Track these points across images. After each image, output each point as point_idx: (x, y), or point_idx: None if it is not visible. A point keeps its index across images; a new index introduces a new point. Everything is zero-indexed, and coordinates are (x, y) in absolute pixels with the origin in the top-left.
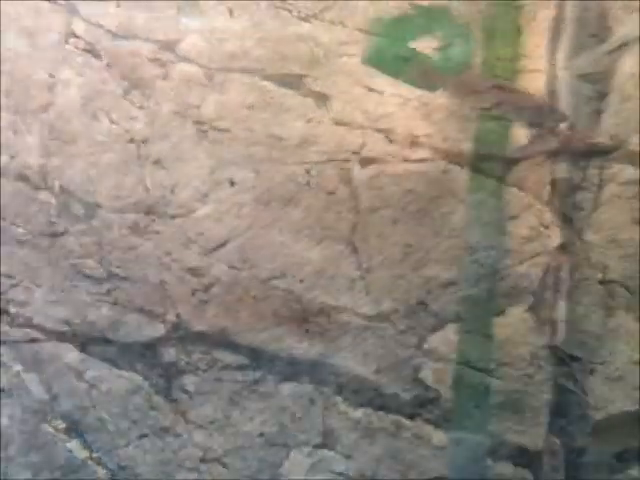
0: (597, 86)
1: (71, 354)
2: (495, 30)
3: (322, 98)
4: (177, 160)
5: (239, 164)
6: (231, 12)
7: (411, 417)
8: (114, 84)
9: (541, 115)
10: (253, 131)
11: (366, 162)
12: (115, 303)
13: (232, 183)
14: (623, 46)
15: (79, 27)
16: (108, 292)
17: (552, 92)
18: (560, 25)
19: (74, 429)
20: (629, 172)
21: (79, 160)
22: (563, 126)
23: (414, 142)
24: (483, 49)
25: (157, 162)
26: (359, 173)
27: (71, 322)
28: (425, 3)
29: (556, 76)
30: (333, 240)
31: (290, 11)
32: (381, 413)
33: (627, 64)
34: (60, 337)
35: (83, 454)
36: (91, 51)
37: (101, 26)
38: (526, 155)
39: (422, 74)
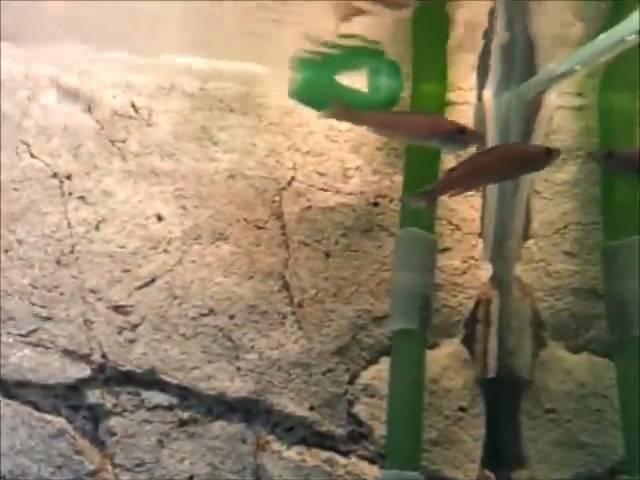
0: (524, 118)
1: None
2: (424, 64)
3: (251, 131)
4: (102, 195)
5: (166, 199)
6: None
7: (345, 454)
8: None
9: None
10: (181, 164)
11: (297, 195)
12: (37, 344)
13: (159, 218)
14: (550, 80)
15: None
16: (30, 332)
17: (481, 124)
18: (488, 59)
19: None
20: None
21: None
22: None
23: (345, 175)
24: (412, 83)
25: (81, 197)
26: (290, 207)
27: None
28: (354, 38)
29: (484, 109)
30: (264, 275)
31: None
32: (315, 450)
33: (553, 98)
34: None
35: None
36: None
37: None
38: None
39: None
